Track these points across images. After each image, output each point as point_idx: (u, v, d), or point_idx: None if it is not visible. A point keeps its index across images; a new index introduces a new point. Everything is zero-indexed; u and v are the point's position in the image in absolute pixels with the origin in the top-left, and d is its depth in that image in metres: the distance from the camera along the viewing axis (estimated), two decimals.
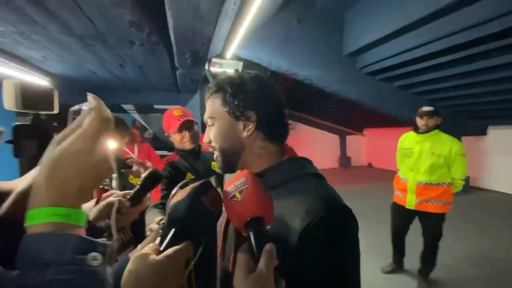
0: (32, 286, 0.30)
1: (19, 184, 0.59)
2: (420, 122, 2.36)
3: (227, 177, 0.90)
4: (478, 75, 3.70)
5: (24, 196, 0.54)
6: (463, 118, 5.75)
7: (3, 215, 0.56)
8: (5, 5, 1.61)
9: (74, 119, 0.40)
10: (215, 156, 0.65)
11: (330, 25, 4.13)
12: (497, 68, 3.39)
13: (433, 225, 2.37)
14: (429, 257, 2.46)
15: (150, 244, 0.44)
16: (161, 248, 0.42)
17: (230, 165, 0.65)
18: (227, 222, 0.66)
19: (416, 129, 2.42)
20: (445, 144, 2.28)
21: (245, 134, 0.61)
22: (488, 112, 5.24)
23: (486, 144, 6.25)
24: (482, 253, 3.18)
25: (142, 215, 0.87)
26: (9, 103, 0.71)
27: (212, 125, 0.64)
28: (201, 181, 0.49)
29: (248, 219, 0.44)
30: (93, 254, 0.33)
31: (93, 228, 0.67)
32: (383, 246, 2.76)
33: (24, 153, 0.74)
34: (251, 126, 0.60)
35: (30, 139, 0.73)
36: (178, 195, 0.47)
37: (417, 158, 2.35)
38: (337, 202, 0.54)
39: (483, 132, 6.19)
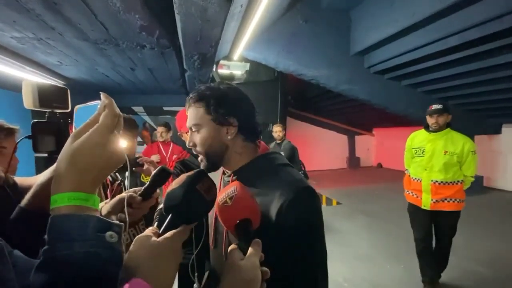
0: (60, 258, 0.35)
1: (38, 178, 0.65)
2: (430, 120, 2.32)
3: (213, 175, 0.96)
4: (490, 73, 3.62)
5: (43, 188, 0.60)
6: (476, 117, 5.61)
7: (25, 206, 0.61)
8: (25, 13, 1.71)
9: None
10: (200, 158, 0.73)
11: (336, 24, 4.12)
12: (510, 65, 3.32)
13: (450, 224, 2.30)
14: (443, 256, 2.39)
15: (150, 228, 0.48)
16: (160, 231, 0.46)
17: (214, 164, 0.73)
18: None
19: (427, 127, 2.37)
20: (457, 142, 2.25)
21: (228, 137, 0.70)
22: (503, 110, 5.10)
23: (501, 143, 6.08)
24: (495, 254, 3.10)
25: (153, 209, 0.92)
26: (28, 102, 0.76)
27: (196, 131, 0.72)
28: (197, 169, 0.54)
29: (238, 221, 0.50)
30: (110, 232, 0.38)
31: None
32: (392, 247, 2.73)
33: (42, 148, 0.78)
34: (233, 130, 0.70)
35: (47, 135, 0.77)
36: (175, 182, 0.51)
37: (430, 156, 2.30)
38: (302, 184, 0.65)
39: (497, 131, 6.03)
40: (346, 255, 2.95)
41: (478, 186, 5.83)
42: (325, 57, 4.21)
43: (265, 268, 0.47)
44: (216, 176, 0.79)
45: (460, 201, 2.26)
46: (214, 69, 4.07)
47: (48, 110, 0.80)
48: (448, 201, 2.26)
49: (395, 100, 4.74)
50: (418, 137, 2.46)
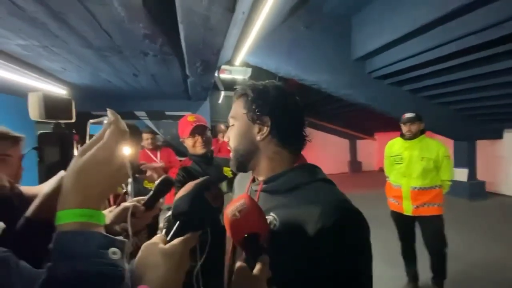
0: (61, 276, 0.35)
1: (43, 188, 0.65)
2: (404, 128, 2.43)
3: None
4: (489, 78, 3.62)
5: (48, 199, 0.61)
6: (478, 122, 5.60)
7: (30, 216, 0.62)
8: (31, 22, 1.74)
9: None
10: (231, 154, 0.70)
11: (338, 30, 4.15)
12: (509, 71, 3.32)
13: (433, 229, 2.36)
14: (438, 267, 2.41)
15: (158, 235, 0.48)
16: (168, 239, 0.47)
17: (241, 164, 0.68)
18: None
19: (403, 135, 2.48)
20: (432, 148, 2.35)
21: (258, 137, 0.64)
22: (504, 115, 5.09)
23: (503, 148, 6.06)
24: (498, 260, 3.08)
25: (155, 219, 0.92)
26: (34, 114, 0.77)
27: (233, 125, 0.69)
28: (204, 177, 0.54)
29: (246, 235, 0.49)
30: (113, 249, 0.38)
31: (110, 232, 0.72)
32: (393, 253, 2.71)
33: (47, 159, 0.79)
34: (265, 130, 0.63)
35: (53, 146, 0.78)
36: (182, 190, 0.52)
37: (408, 163, 2.40)
38: (350, 206, 0.56)
39: (499, 136, 6.01)
40: None
41: (480, 191, 5.80)
42: (327, 62, 4.23)
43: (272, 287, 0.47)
44: (245, 182, 0.77)
45: (439, 205, 2.34)
46: (216, 74, 4.09)
47: (53, 121, 0.81)
48: (428, 206, 2.33)
49: (396, 105, 4.74)
50: (395, 145, 2.57)
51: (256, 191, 0.67)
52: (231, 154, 0.69)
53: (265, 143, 0.65)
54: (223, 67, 4.15)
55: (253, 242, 0.50)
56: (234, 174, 1.60)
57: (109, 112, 0.45)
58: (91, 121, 0.53)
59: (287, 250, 0.51)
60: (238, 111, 0.67)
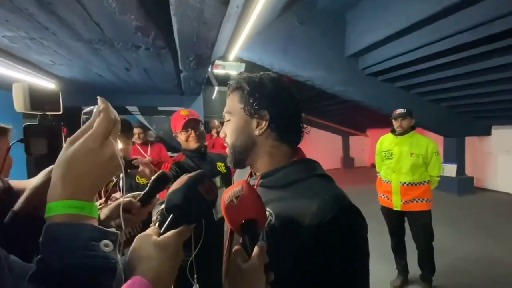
0: (51, 269, 0.34)
1: (32, 181, 0.64)
2: (395, 124, 2.47)
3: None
4: (481, 75, 3.70)
5: (36, 192, 0.60)
6: (467, 119, 5.72)
7: (18, 210, 0.61)
8: (18, 13, 1.68)
9: (86, 119, 0.44)
10: (227, 150, 0.68)
11: (332, 26, 4.15)
12: (500, 68, 3.40)
13: (422, 224, 2.41)
14: (426, 261, 2.47)
15: (151, 227, 0.48)
16: (161, 231, 0.46)
17: (239, 160, 0.67)
18: None
19: (393, 131, 2.52)
20: (422, 144, 2.40)
21: (257, 132, 0.63)
22: (492, 112, 5.21)
23: (491, 144, 6.22)
24: (486, 254, 3.17)
25: (150, 214, 0.92)
26: (19, 105, 0.75)
27: (228, 120, 0.67)
28: (198, 171, 0.54)
29: (243, 221, 0.49)
30: (105, 241, 0.37)
31: (105, 227, 0.71)
32: (385, 248, 2.77)
33: (34, 151, 0.78)
34: (263, 124, 0.62)
35: (39, 138, 0.76)
36: (176, 183, 0.51)
37: (398, 159, 2.45)
38: (348, 202, 0.56)
39: (487, 132, 6.16)
40: None
41: (468, 187, 5.95)
42: (320, 59, 4.23)
43: (270, 271, 0.47)
44: (244, 175, 0.76)
45: (428, 200, 2.39)
46: (209, 69, 4.05)
47: (39, 113, 0.79)
48: (417, 201, 2.39)
49: (388, 101, 4.79)
50: (386, 141, 2.62)
51: (253, 185, 0.66)
52: (228, 150, 0.67)
53: (263, 137, 0.64)
54: (216, 62, 4.12)
55: (250, 229, 0.49)
56: (228, 170, 1.60)
57: (99, 100, 0.43)
58: (84, 110, 0.52)
59: (282, 244, 0.51)
60: (234, 105, 0.65)
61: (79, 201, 0.37)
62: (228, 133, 0.66)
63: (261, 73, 0.67)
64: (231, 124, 0.66)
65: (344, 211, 0.54)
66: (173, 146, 4.69)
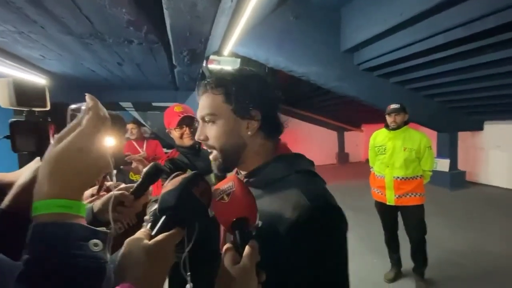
0: (38, 270, 0.33)
1: (19, 176, 0.62)
2: (389, 119, 2.49)
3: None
4: (474, 71, 3.73)
5: (24, 190, 0.58)
6: (460, 114, 5.79)
7: (5, 208, 0.59)
8: (5, 6, 1.63)
9: (72, 116, 0.43)
10: (213, 155, 0.64)
11: (327, 21, 4.13)
12: (493, 64, 3.42)
13: (415, 219, 2.44)
14: (419, 254, 2.50)
15: (143, 229, 0.47)
16: (153, 233, 0.45)
17: (230, 164, 0.64)
18: None
19: (387, 126, 2.54)
20: (415, 139, 2.42)
21: (249, 133, 0.60)
22: (485, 107, 5.28)
23: (483, 139, 6.31)
24: (477, 247, 3.24)
25: (145, 207, 0.91)
26: (4, 101, 0.73)
27: (210, 122, 0.62)
28: (193, 172, 0.52)
29: (234, 219, 0.48)
30: (94, 241, 0.36)
31: (97, 220, 0.69)
32: (379, 241, 2.81)
33: (21, 148, 0.76)
34: (255, 125, 0.60)
35: (27, 134, 0.74)
36: (170, 184, 0.50)
37: (391, 154, 2.47)
38: (323, 200, 0.55)
39: (479, 127, 6.25)
40: None
41: (461, 181, 6.05)
42: (316, 54, 4.22)
43: (262, 272, 0.46)
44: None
45: (421, 195, 2.42)
46: (204, 65, 4.01)
47: (26, 109, 0.77)
48: (410, 196, 2.41)
49: (383, 97, 4.81)
50: (379, 136, 2.64)
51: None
52: (215, 155, 0.63)
53: (252, 138, 0.61)
54: (211, 57, 4.08)
55: (242, 227, 0.48)
56: None
57: (87, 97, 0.42)
58: (71, 107, 0.49)
59: (265, 244, 0.49)
60: (218, 106, 0.60)
61: (66, 200, 0.36)
62: (213, 136, 0.62)
63: (239, 67, 0.64)
64: (217, 127, 0.61)
65: (319, 210, 0.52)
66: (168, 143, 4.66)
